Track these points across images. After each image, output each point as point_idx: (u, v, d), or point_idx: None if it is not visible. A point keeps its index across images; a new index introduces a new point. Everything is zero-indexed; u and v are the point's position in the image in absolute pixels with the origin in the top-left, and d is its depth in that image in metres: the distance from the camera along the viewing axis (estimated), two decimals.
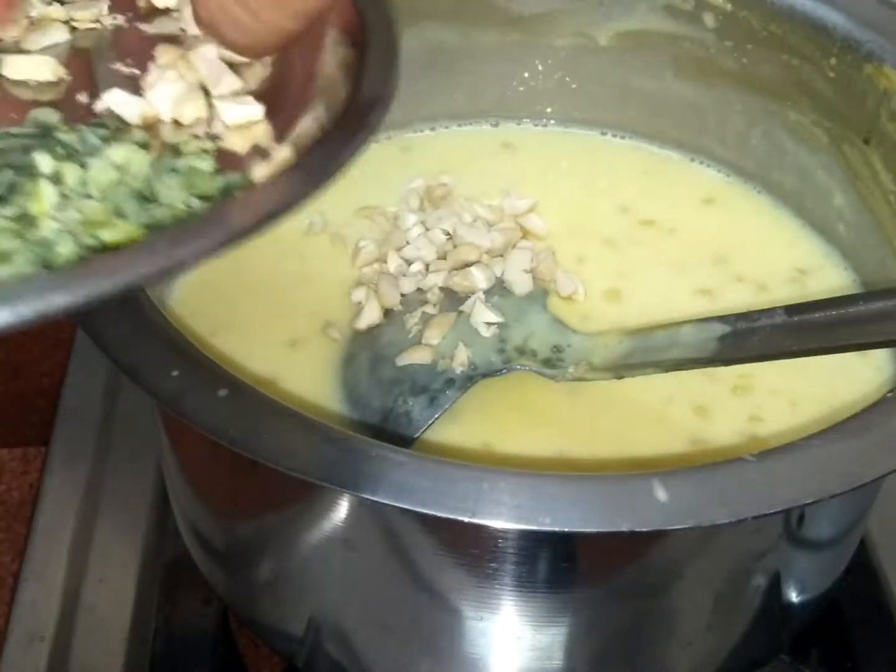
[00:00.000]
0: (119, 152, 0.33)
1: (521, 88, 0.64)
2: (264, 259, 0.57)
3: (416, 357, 0.50)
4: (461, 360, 0.49)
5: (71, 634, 0.54)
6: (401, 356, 0.50)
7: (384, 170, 0.62)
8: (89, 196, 0.32)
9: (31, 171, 0.32)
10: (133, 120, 0.36)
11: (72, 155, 0.33)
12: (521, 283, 0.53)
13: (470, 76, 0.64)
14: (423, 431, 0.48)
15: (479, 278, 0.52)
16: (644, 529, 0.35)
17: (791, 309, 0.44)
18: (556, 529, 0.35)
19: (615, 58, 0.62)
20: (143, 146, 0.34)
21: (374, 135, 0.34)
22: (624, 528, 0.35)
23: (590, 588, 0.42)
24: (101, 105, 0.36)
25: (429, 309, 0.51)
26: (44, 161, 0.32)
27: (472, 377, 0.49)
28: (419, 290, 0.53)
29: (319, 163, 0.33)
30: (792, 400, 0.50)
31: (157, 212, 0.32)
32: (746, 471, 0.37)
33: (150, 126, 0.36)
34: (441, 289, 0.52)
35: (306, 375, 0.50)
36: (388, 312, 0.52)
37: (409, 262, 0.54)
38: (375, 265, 0.55)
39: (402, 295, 0.53)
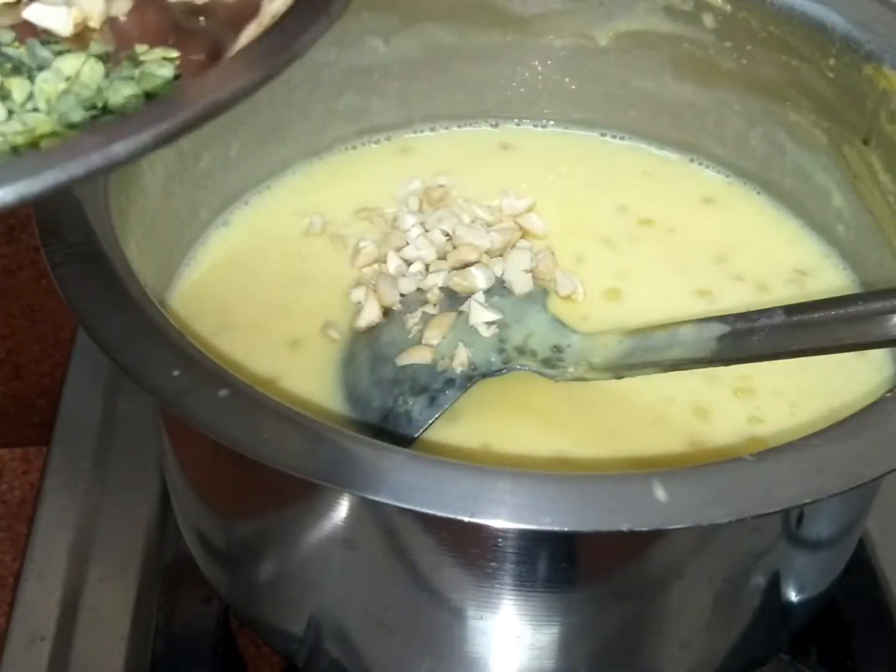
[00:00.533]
0: (69, 63, 0.33)
1: (521, 89, 0.64)
2: (264, 259, 0.57)
3: (416, 357, 0.50)
4: (461, 360, 0.49)
5: (72, 634, 0.54)
6: (401, 356, 0.50)
7: (384, 170, 0.62)
8: (36, 109, 0.31)
9: None
10: (65, 31, 0.35)
11: (19, 69, 0.32)
12: (520, 283, 0.53)
13: (470, 76, 0.64)
14: (423, 431, 0.48)
15: (479, 278, 0.52)
16: (643, 529, 0.36)
17: (790, 309, 0.44)
18: (556, 529, 0.35)
19: (615, 58, 0.62)
20: (101, 58, 0.33)
21: (334, 23, 0.32)
22: (623, 528, 0.35)
23: (589, 587, 0.42)
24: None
25: (429, 309, 0.52)
26: None
27: (472, 377, 0.50)
28: (419, 290, 0.53)
29: (269, 52, 0.31)
30: (791, 401, 0.50)
31: (107, 119, 0.31)
32: (745, 470, 0.37)
33: (81, 34, 0.35)
34: (441, 289, 0.53)
35: (306, 375, 0.51)
36: (388, 312, 0.52)
37: (408, 263, 0.54)
38: (375, 265, 0.55)
39: (402, 295, 0.53)
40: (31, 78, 0.32)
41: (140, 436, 0.62)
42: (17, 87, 0.32)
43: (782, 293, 0.56)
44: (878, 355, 0.52)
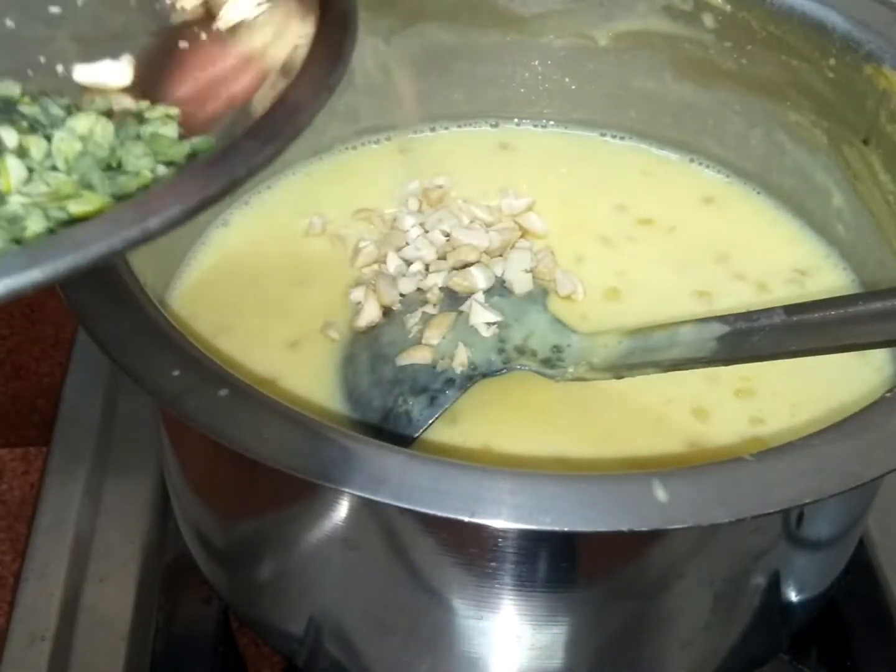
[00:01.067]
0: (81, 122, 0.33)
1: (521, 89, 0.64)
2: (264, 260, 0.57)
3: (416, 357, 0.50)
4: (461, 360, 0.49)
5: (72, 634, 0.54)
6: (401, 356, 0.50)
7: (384, 170, 0.62)
8: (55, 168, 0.32)
9: None
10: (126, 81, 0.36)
11: (35, 127, 0.33)
12: (521, 283, 0.53)
13: (470, 76, 0.64)
14: (423, 431, 0.48)
15: (479, 278, 0.52)
16: (644, 529, 0.36)
17: (790, 309, 0.44)
18: (556, 529, 0.35)
19: (614, 58, 0.62)
20: (106, 114, 0.34)
21: (336, 89, 0.33)
22: (624, 528, 0.35)
23: (589, 588, 0.42)
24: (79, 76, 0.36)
25: (429, 309, 0.52)
26: (8, 135, 0.32)
27: (472, 377, 0.50)
28: (419, 290, 0.53)
29: (280, 123, 0.32)
30: (792, 401, 0.50)
31: (123, 180, 0.32)
32: (746, 470, 0.37)
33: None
34: (441, 289, 0.53)
35: (306, 375, 0.51)
36: (388, 312, 0.52)
37: (408, 263, 0.54)
38: (375, 266, 0.55)
39: (402, 295, 0.53)
40: (47, 137, 0.33)
41: (140, 436, 0.62)
42: (35, 146, 0.32)
43: (782, 293, 0.56)
44: (878, 355, 0.52)
